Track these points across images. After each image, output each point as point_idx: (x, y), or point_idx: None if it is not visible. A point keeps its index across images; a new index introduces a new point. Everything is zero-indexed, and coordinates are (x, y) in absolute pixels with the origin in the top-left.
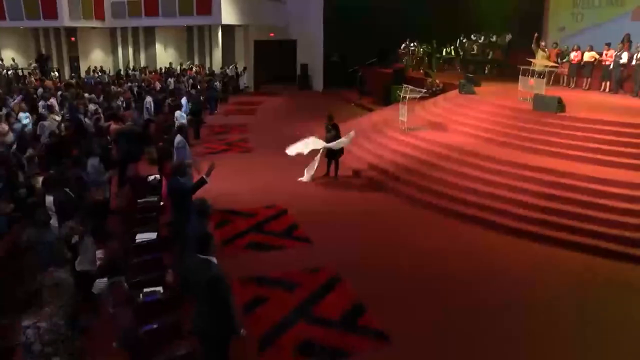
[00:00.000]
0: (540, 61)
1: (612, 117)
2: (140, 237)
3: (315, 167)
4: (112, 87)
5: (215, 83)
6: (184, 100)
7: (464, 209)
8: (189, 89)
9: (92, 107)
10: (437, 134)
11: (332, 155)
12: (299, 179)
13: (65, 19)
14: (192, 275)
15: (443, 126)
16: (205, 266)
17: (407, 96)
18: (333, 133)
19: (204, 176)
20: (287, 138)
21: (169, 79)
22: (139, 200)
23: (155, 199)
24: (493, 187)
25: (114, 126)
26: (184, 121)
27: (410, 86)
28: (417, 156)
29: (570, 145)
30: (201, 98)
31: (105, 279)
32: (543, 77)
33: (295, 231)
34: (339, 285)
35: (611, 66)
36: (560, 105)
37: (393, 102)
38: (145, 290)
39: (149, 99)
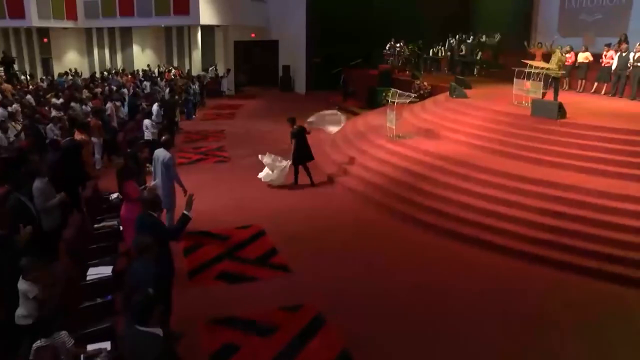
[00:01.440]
0: (543, 63)
1: (618, 124)
2: (93, 273)
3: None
4: (84, 90)
5: (193, 87)
6: (155, 107)
7: (460, 227)
8: (166, 92)
9: (54, 113)
10: (428, 143)
11: (300, 161)
12: (259, 176)
13: (34, 19)
14: (131, 354)
15: (434, 133)
16: (149, 344)
17: (396, 101)
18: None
19: (185, 212)
20: (267, 145)
21: (144, 82)
22: (95, 226)
23: (115, 222)
24: (492, 202)
25: (78, 136)
26: (154, 130)
27: (398, 90)
28: (406, 167)
29: (574, 155)
30: (178, 102)
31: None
32: (540, 80)
33: (273, 257)
34: (322, 328)
35: (613, 67)
36: (561, 111)
37: (379, 105)
38: (88, 349)
39: (108, 105)
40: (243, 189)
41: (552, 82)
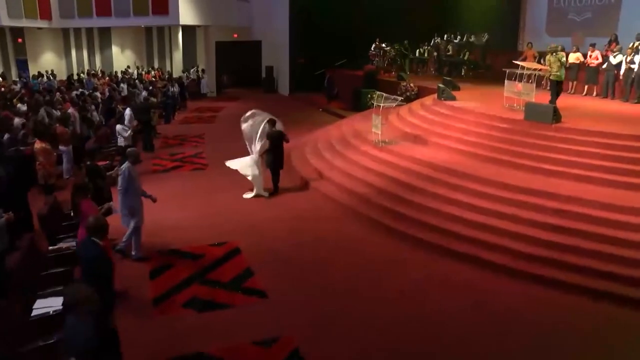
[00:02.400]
0: (535, 64)
1: (617, 128)
2: (40, 307)
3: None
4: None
5: (172, 89)
6: (127, 111)
7: (451, 243)
8: (142, 95)
9: (17, 121)
10: (415, 149)
11: (273, 166)
12: (244, 196)
13: (4, 18)
14: None
15: (422, 139)
16: None
17: (382, 105)
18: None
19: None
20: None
21: (122, 85)
22: (50, 248)
23: (74, 243)
24: (485, 215)
25: (39, 145)
26: (126, 135)
27: (384, 93)
28: (393, 176)
29: (572, 162)
30: (154, 105)
31: None
32: (532, 82)
33: (248, 280)
34: None
35: (604, 67)
36: (556, 115)
37: (364, 107)
38: None
39: (70, 110)
40: (219, 200)
41: (552, 86)
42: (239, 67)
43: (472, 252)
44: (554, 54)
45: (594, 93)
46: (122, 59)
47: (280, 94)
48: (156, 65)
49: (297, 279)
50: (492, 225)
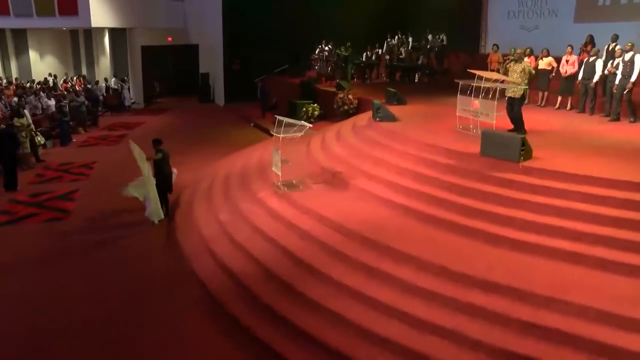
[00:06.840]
0: (496, 74)
1: (614, 170)
2: None
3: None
4: None
5: (65, 101)
6: None
7: None
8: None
9: None
10: (328, 198)
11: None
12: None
13: None
14: None
15: (342, 181)
16: None
17: (281, 135)
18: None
19: None
20: None
21: (14, 99)
22: None
23: None
24: (418, 330)
25: None
26: None
27: (285, 118)
28: (286, 246)
29: (550, 228)
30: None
31: None
32: (493, 98)
33: None
34: None
35: (580, 76)
36: (525, 147)
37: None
38: None
39: None
40: (45, 278)
41: (513, 104)
42: (173, 74)
43: None
44: (518, 61)
45: (568, 106)
46: (42, 65)
47: (217, 104)
48: (84, 73)
49: None
50: (426, 356)
